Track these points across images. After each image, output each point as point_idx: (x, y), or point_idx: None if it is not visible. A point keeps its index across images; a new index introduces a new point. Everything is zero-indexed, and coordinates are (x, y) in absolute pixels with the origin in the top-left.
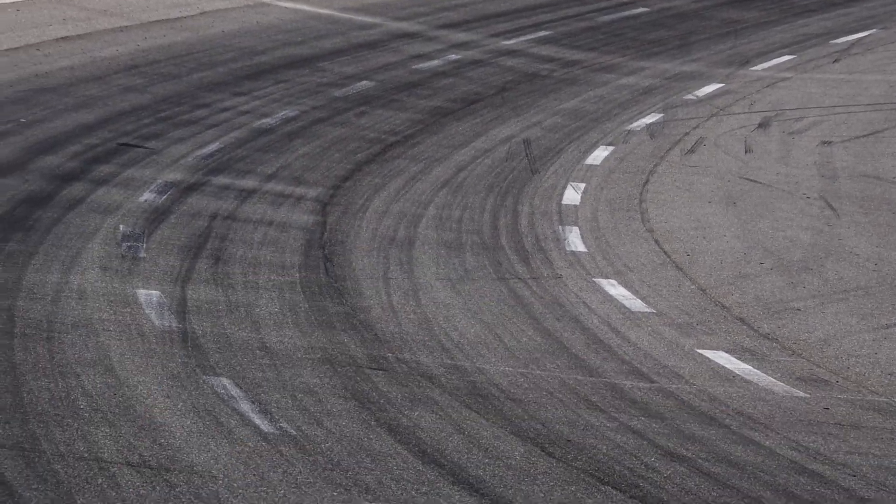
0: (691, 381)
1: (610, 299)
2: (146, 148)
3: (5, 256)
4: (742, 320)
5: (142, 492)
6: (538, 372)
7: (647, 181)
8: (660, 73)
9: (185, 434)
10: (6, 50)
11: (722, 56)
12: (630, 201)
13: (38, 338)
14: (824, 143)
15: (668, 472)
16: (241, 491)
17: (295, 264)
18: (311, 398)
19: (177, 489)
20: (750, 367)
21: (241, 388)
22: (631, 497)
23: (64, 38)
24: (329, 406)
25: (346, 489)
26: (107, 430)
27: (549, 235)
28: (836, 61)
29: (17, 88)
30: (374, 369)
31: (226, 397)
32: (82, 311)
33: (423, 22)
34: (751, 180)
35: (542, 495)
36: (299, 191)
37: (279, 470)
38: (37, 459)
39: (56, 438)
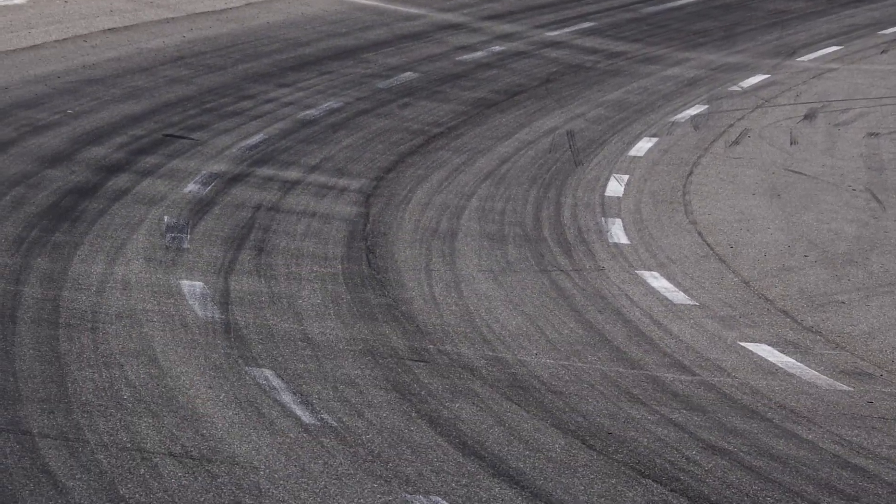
0: (733, 374)
1: (652, 292)
2: (191, 139)
3: (52, 247)
4: (785, 313)
5: (184, 482)
6: (579, 364)
7: (690, 173)
8: (705, 64)
9: (226, 425)
10: (54, 41)
11: (768, 47)
12: (673, 193)
13: (83, 328)
14: (871, 134)
15: (710, 466)
16: (281, 482)
17: (337, 256)
18: (352, 390)
19: (218, 480)
20: (793, 361)
21: (282, 379)
22: (672, 490)
23: (111, 30)
24: (370, 397)
25: (386, 481)
26: (149, 421)
27: (592, 227)
28: (883, 52)
29: (66, 79)
30: (416, 361)
31: (267, 388)
32: (126, 302)
33: (468, 13)
34: (796, 172)
35: (583, 488)
36: (342, 182)
37: (320, 461)
38: (80, 449)
39: (99, 428)
